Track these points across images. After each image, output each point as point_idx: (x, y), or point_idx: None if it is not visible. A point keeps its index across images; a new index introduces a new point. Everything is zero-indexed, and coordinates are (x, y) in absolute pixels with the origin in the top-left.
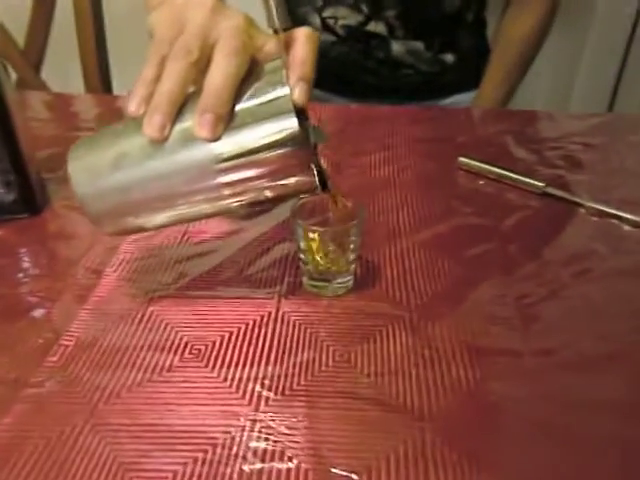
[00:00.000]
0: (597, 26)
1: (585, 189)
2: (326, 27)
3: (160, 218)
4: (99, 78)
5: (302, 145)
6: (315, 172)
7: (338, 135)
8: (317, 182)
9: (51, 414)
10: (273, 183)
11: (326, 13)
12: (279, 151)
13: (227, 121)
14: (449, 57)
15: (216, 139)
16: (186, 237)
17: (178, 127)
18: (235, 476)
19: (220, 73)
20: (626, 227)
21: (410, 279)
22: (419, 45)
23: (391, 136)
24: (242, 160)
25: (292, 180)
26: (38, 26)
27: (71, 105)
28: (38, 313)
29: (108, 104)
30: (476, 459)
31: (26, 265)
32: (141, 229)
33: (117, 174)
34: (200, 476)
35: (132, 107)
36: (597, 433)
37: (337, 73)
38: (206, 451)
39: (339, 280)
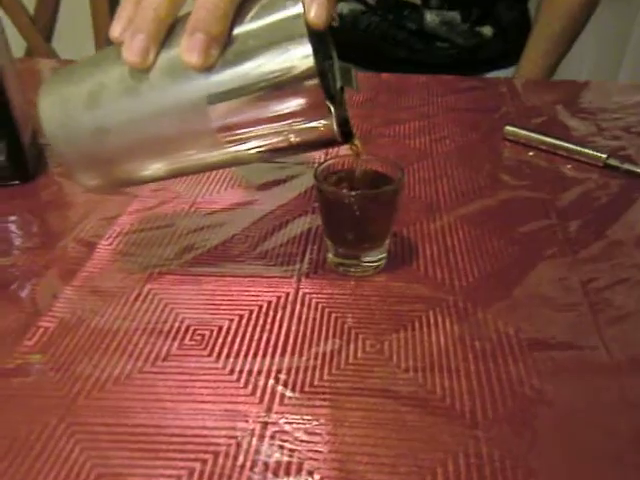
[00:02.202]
0: None
1: None
2: None
3: (149, 169)
4: None
5: (317, 80)
6: (334, 116)
7: (368, 103)
8: (337, 129)
9: (20, 409)
10: (283, 129)
11: None
12: (288, 87)
13: (222, 45)
14: (487, 30)
15: (208, 67)
16: (194, 208)
17: (166, 54)
18: None
19: None
20: None
21: (453, 258)
22: (455, 16)
23: (426, 105)
24: (242, 98)
25: (306, 126)
26: None
27: None
28: (19, 289)
29: None
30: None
31: (12, 235)
32: (127, 182)
33: (92, 113)
34: None
35: (115, 31)
36: None
37: (366, 45)
38: (205, 461)
39: (370, 257)
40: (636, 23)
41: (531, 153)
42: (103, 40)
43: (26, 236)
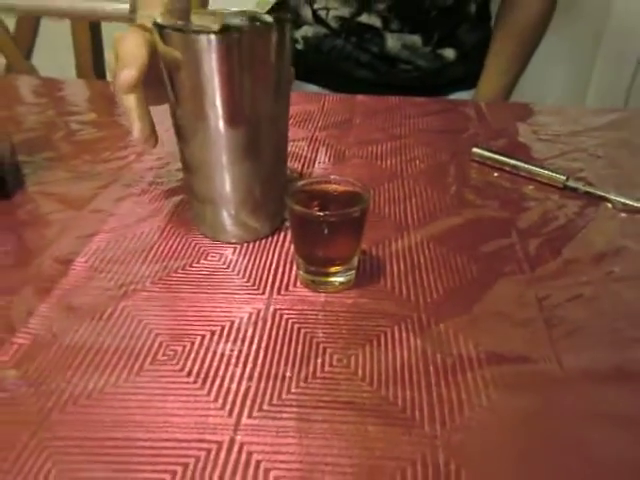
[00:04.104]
0: (614, 23)
1: (609, 184)
2: (318, 19)
3: None
4: (92, 65)
5: None
6: None
7: (343, 124)
8: None
9: None
10: None
11: (317, 5)
12: None
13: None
14: (449, 52)
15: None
16: (169, 226)
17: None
18: None
19: None
20: None
21: (419, 275)
22: (416, 39)
23: (399, 127)
24: None
25: None
26: None
27: (60, 90)
28: None
29: (100, 89)
30: None
31: None
32: None
33: None
34: None
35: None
36: (636, 454)
37: (331, 68)
38: (174, 473)
39: (340, 274)
40: (600, 47)
41: (496, 174)
42: (82, 57)
43: (2, 253)
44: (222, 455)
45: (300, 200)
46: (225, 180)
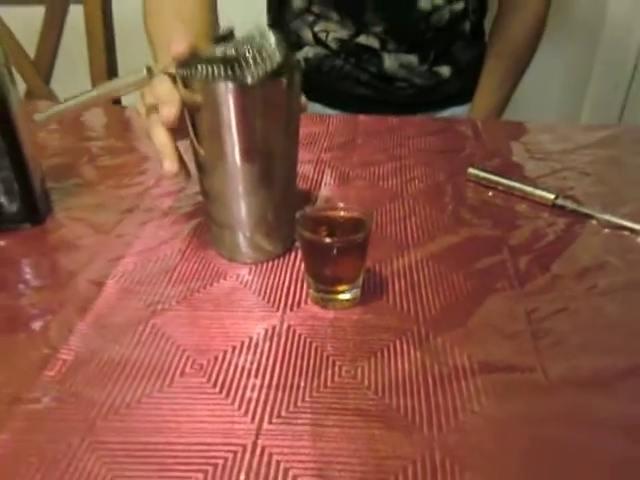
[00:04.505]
0: (607, 39)
1: (596, 201)
2: (318, 41)
3: None
4: None
5: None
6: None
7: (346, 145)
8: None
9: (47, 431)
10: None
11: (317, 27)
12: None
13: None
14: (445, 70)
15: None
16: (189, 247)
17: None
18: None
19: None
20: (639, 239)
21: (419, 292)
22: (412, 58)
23: (399, 147)
24: None
25: None
26: (49, 37)
27: (79, 115)
28: (37, 326)
29: (116, 115)
30: None
31: (27, 276)
32: None
33: None
34: None
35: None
36: (613, 454)
37: (331, 87)
38: (206, 472)
39: (346, 292)
40: (595, 65)
41: (490, 193)
42: (99, 82)
43: (39, 277)
44: (247, 457)
45: (309, 227)
46: (241, 207)
